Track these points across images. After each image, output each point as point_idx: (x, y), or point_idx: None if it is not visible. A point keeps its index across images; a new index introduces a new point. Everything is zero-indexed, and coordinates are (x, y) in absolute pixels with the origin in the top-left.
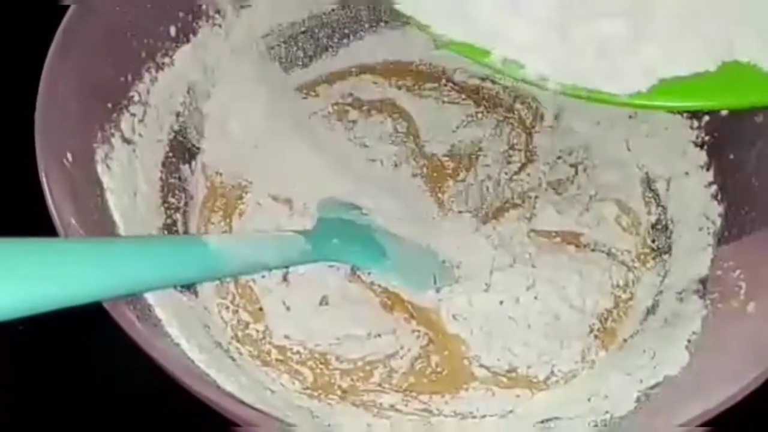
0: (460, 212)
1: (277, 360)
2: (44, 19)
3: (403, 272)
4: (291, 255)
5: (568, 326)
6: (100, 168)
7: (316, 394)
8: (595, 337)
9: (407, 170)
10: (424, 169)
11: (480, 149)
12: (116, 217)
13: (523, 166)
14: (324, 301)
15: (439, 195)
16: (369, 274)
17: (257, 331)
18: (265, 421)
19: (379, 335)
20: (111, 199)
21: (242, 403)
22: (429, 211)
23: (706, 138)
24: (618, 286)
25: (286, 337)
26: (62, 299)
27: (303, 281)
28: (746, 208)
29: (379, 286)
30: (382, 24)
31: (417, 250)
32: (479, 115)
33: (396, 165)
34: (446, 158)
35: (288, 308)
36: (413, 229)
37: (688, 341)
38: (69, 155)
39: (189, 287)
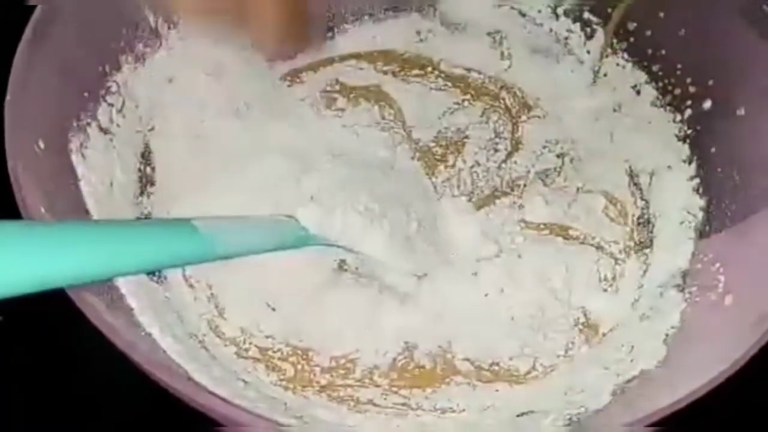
0: (454, 196)
1: (254, 359)
2: (19, 4)
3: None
4: (285, 239)
5: (553, 319)
6: (75, 157)
7: (291, 386)
8: (579, 331)
9: (403, 154)
10: (417, 153)
11: (467, 136)
12: (90, 206)
13: (509, 155)
14: (308, 296)
15: (433, 179)
16: (357, 269)
17: (238, 328)
18: (256, 421)
19: (364, 331)
20: (85, 189)
21: (232, 404)
22: (428, 192)
23: (689, 132)
24: (605, 279)
25: (268, 337)
26: (52, 280)
27: (287, 277)
28: (727, 202)
29: (367, 279)
30: (366, 17)
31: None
32: (465, 103)
33: (392, 148)
34: (433, 144)
35: (273, 308)
36: (414, 210)
37: (666, 335)
38: (41, 143)
39: (164, 278)
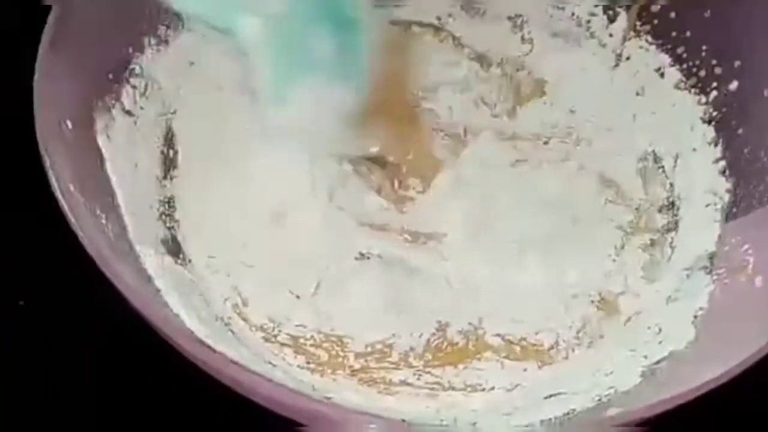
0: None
1: (283, 344)
2: None
3: None
4: None
5: (571, 297)
6: (100, 139)
7: (320, 369)
8: (598, 308)
9: None
10: None
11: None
12: (116, 187)
13: (517, 138)
14: (333, 283)
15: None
16: (380, 256)
17: (265, 316)
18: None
19: (396, 315)
20: (111, 170)
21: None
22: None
23: (714, 114)
24: (625, 263)
25: (299, 326)
26: None
27: (307, 265)
28: (754, 183)
29: (392, 265)
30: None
31: None
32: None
33: None
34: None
35: (297, 296)
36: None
37: (695, 317)
38: (68, 122)
39: (188, 261)
